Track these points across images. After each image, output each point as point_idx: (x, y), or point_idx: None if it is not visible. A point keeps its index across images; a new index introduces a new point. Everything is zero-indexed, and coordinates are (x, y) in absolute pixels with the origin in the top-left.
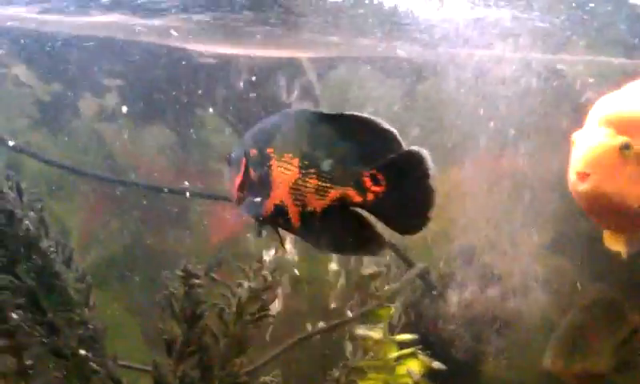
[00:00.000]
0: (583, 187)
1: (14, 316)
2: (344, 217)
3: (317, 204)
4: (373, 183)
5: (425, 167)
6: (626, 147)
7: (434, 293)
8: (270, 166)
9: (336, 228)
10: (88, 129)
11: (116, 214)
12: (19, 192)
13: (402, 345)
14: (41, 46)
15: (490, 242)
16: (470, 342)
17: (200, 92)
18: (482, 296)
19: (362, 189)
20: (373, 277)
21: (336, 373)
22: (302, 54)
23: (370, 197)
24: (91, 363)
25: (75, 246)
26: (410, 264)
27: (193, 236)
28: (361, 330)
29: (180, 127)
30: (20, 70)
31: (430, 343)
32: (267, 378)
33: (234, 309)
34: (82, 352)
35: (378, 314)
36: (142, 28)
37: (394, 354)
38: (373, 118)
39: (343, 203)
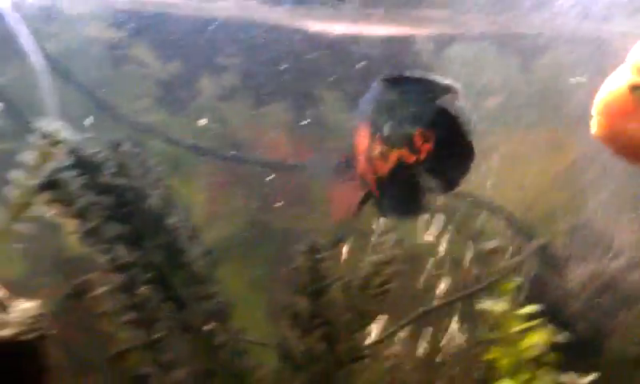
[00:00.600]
0: (592, 131)
1: (143, 291)
2: (404, 179)
3: (383, 169)
4: (423, 141)
5: (463, 120)
6: (636, 88)
7: (556, 267)
8: (356, 136)
9: (400, 192)
10: (208, 107)
11: (237, 192)
12: (145, 170)
13: (525, 318)
14: (161, 27)
15: (612, 215)
16: (593, 316)
17: (318, 70)
18: (605, 269)
19: (414, 148)
20: (493, 251)
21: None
22: (418, 31)
23: (423, 155)
24: (217, 337)
25: (199, 224)
26: (530, 238)
27: (313, 212)
28: (485, 304)
29: (298, 105)
30: (141, 51)
31: (552, 317)
32: (391, 351)
33: (358, 282)
34: (209, 326)
35: (501, 288)
36: (261, 7)
37: (518, 326)
38: (427, 76)
39: (402, 165)
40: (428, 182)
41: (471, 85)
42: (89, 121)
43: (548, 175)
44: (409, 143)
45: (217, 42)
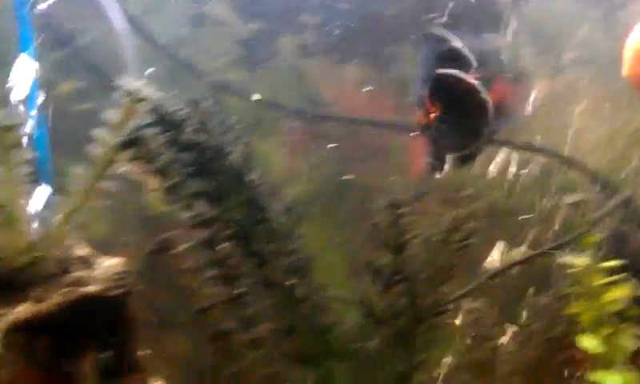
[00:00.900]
0: (623, 72)
1: (224, 247)
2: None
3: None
4: (432, 104)
5: (468, 84)
6: None
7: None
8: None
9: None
10: (287, 65)
11: (316, 149)
12: (225, 128)
13: (608, 272)
14: None
15: None
16: None
17: (398, 28)
18: None
19: (426, 111)
20: (576, 205)
21: (542, 301)
22: None
23: (431, 120)
24: (299, 293)
25: (278, 181)
26: (612, 193)
27: (393, 168)
28: (567, 258)
29: (378, 63)
30: (222, 9)
31: (635, 272)
32: (472, 306)
33: (439, 238)
34: (290, 282)
35: (583, 242)
36: None
37: (601, 281)
38: (448, 36)
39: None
40: (442, 144)
41: (552, 38)
42: (149, 71)
43: (631, 129)
44: (422, 105)
45: (297, 0)
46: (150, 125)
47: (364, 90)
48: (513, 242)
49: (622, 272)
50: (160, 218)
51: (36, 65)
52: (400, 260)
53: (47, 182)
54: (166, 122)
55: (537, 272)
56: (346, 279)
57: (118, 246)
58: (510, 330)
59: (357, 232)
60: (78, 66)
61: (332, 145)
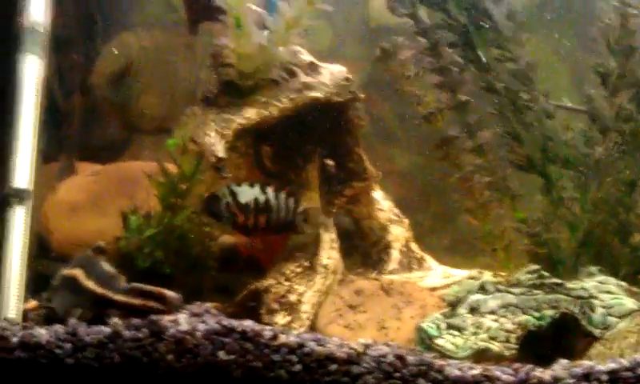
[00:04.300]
0: None
1: (448, 53)
2: None
3: None
4: None
5: None
6: None
7: None
8: None
9: None
10: None
11: None
12: None
13: None
14: None
15: None
16: None
17: None
18: None
19: None
20: None
21: None
22: None
23: None
24: (523, 99)
25: None
26: None
27: None
28: None
29: None
30: None
31: None
32: None
33: None
34: (514, 88)
35: None
36: None
37: None
38: None
39: None
40: None
41: None
42: None
43: None
44: None
45: None
46: None
47: None
48: None
49: None
50: (383, 29)
51: None
52: (629, 63)
53: None
54: None
55: None
56: (571, 89)
57: (342, 54)
58: None
59: (583, 37)
60: None
61: None
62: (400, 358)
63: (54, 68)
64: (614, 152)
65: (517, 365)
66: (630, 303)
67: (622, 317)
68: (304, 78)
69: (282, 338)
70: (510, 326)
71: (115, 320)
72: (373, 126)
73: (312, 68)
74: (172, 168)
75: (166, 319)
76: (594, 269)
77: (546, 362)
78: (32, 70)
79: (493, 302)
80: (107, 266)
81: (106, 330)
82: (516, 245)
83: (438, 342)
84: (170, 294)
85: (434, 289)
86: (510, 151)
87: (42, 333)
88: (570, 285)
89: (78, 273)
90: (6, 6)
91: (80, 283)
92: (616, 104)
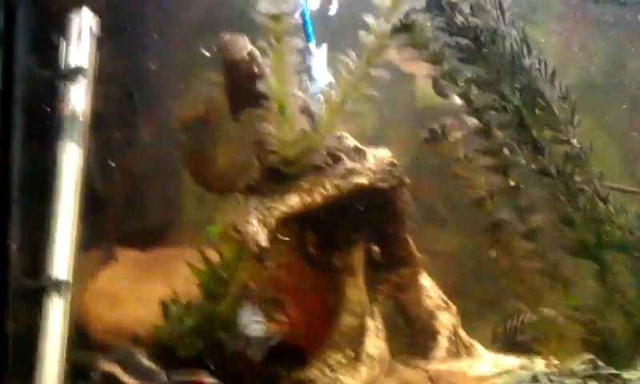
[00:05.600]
0: None
1: (499, 134)
2: None
3: None
4: None
5: None
6: None
7: None
8: None
9: None
10: None
11: (593, 36)
12: (501, 10)
13: None
14: None
15: None
16: None
17: None
18: None
19: None
20: None
21: None
22: None
23: None
24: (576, 182)
25: (553, 67)
26: None
27: None
28: None
29: None
30: None
31: None
32: None
33: None
34: (567, 170)
35: None
36: None
37: None
38: None
39: None
40: None
41: None
42: None
43: None
44: None
45: None
46: (422, 10)
47: None
48: None
49: None
50: (431, 110)
51: None
52: None
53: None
54: (438, 5)
55: None
56: (623, 169)
57: (388, 137)
58: None
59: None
60: None
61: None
62: None
63: (93, 151)
64: None
65: None
66: None
67: None
68: (349, 163)
69: None
70: None
71: None
72: (420, 210)
73: (357, 152)
74: (212, 255)
75: None
76: None
77: None
78: (71, 159)
79: None
80: (146, 361)
81: None
82: (569, 333)
83: None
84: (209, 381)
85: (483, 378)
86: (562, 236)
87: None
88: (626, 375)
89: (116, 370)
90: (48, 95)
91: (118, 381)
92: None
